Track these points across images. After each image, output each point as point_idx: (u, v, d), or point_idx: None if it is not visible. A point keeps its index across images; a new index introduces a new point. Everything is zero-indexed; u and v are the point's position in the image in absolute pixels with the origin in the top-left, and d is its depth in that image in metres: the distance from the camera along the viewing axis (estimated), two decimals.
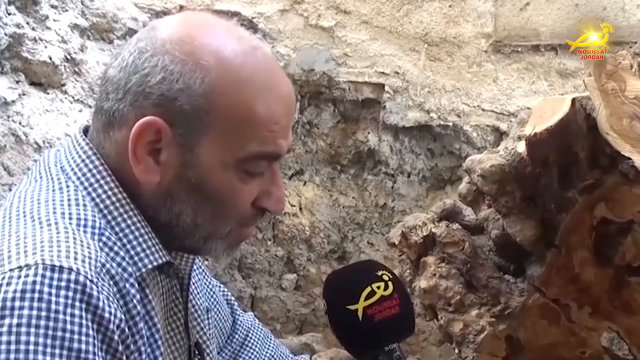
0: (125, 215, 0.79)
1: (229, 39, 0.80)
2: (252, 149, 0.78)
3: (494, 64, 1.86)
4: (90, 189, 0.79)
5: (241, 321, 1.10)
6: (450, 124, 1.89)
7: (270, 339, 1.12)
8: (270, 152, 0.80)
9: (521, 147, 1.22)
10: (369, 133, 1.97)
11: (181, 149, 0.78)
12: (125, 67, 0.79)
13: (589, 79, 1.22)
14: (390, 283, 0.84)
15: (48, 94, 1.67)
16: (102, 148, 0.81)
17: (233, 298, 1.11)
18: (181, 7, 1.88)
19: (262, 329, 1.12)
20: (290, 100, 0.83)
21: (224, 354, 1.06)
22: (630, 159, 1.16)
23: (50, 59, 1.64)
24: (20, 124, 1.59)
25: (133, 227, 0.78)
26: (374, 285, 0.83)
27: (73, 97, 1.71)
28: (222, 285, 1.09)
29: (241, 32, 0.84)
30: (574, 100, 1.21)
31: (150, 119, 0.76)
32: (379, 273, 0.85)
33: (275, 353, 1.10)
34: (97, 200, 0.78)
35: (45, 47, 1.64)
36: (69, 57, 1.69)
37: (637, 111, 1.19)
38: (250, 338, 1.09)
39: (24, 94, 1.61)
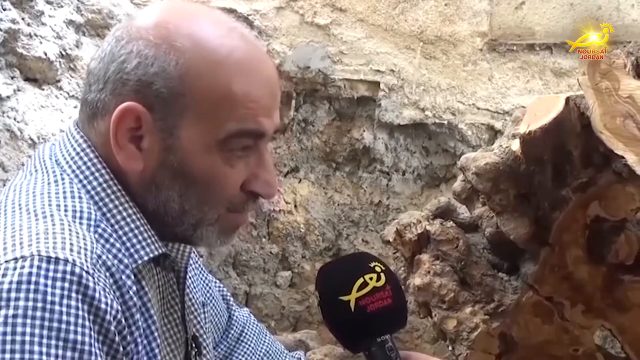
0: (120, 207, 0.78)
1: (204, 21, 0.80)
2: (231, 127, 0.77)
3: (489, 63, 1.87)
4: (85, 182, 0.79)
5: (237, 317, 1.10)
6: (445, 122, 1.89)
7: (266, 335, 1.12)
8: (251, 129, 0.78)
9: (515, 145, 1.23)
10: (364, 131, 1.97)
11: (162, 133, 0.77)
12: (103, 58, 0.79)
13: (583, 78, 1.22)
14: (382, 274, 0.84)
15: (43, 89, 1.67)
16: (88, 140, 0.80)
17: (229, 294, 1.11)
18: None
19: (257, 325, 1.12)
20: (270, 79, 0.81)
21: (219, 349, 1.06)
22: (623, 157, 1.17)
23: (46, 54, 1.64)
24: (15, 119, 1.59)
25: (129, 219, 0.78)
26: (367, 277, 0.83)
27: (68, 93, 1.70)
28: (218, 281, 1.09)
29: (218, 15, 0.83)
30: (568, 99, 1.21)
31: (129, 104, 0.76)
32: (372, 264, 0.85)
33: (270, 349, 1.10)
34: (92, 192, 0.78)
35: (41, 42, 1.64)
36: (64, 53, 1.69)
37: (630, 110, 1.19)
38: (246, 334, 1.09)
39: (18, 90, 1.61)
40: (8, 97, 1.58)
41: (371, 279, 0.83)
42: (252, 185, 0.81)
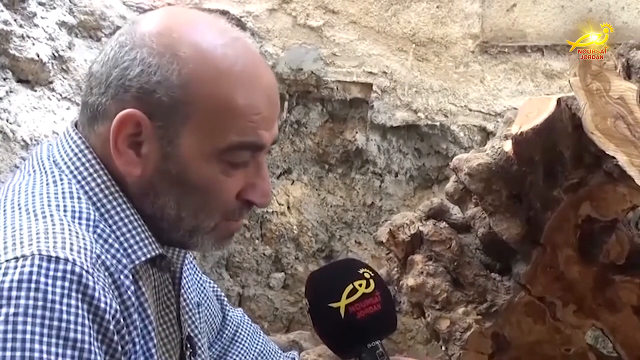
0: (118, 208, 0.79)
1: (208, 31, 0.80)
2: (232, 139, 0.78)
3: (481, 65, 1.88)
4: (83, 182, 0.79)
5: (231, 317, 1.10)
6: (438, 123, 1.90)
7: (260, 335, 1.13)
8: (251, 142, 0.79)
9: (507, 146, 1.23)
10: (356, 132, 1.97)
11: (161, 141, 0.78)
12: (106, 62, 0.80)
13: (575, 79, 1.23)
14: (371, 280, 0.84)
15: (35, 91, 1.66)
16: (87, 141, 0.81)
17: (223, 294, 1.12)
18: (169, 5, 1.88)
19: (251, 325, 1.13)
20: (271, 92, 0.82)
21: (214, 350, 1.06)
22: (614, 158, 1.17)
23: (38, 56, 1.64)
24: (7, 121, 1.58)
25: (126, 220, 0.79)
26: (356, 283, 0.84)
27: (60, 95, 1.70)
28: (212, 282, 1.10)
29: (222, 24, 0.84)
30: (559, 100, 1.22)
31: (130, 111, 0.77)
32: (361, 271, 0.86)
33: (264, 349, 1.10)
34: (91, 193, 0.79)
35: (33, 44, 1.64)
36: (56, 54, 1.69)
37: (621, 111, 1.20)
38: (240, 334, 1.10)
39: (11, 91, 1.61)
40: (0, 98, 1.58)
41: (360, 285, 0.84)
42: (249, 195, 0.82)
